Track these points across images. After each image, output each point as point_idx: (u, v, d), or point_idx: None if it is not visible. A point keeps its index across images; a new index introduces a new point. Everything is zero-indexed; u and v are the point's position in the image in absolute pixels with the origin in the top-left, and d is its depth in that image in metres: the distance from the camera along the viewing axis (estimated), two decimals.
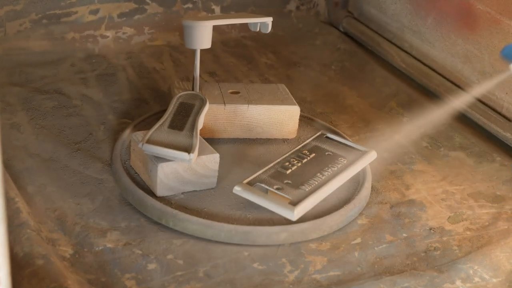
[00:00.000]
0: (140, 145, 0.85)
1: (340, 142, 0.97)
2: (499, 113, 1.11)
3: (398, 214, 0.91)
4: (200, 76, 1.04)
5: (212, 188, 0.90)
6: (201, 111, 0.92)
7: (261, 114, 1.00)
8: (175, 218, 0.84)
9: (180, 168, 0.86)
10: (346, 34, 1.43)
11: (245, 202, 0.87)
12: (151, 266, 0.78)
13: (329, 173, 0.90)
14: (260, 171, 0.89)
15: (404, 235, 0.88)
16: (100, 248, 0.80)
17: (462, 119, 1.15)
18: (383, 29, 1.37)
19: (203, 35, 0.96)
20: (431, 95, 1.22)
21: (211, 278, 0.77)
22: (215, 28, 0.98)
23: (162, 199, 0.87)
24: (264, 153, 0.99)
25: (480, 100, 1.15)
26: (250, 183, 0.86)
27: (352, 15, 1.45)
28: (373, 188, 0.95)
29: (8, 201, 0.82)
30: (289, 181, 0.88)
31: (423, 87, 1.24)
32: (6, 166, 0.92)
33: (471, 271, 0.81)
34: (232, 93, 1.02)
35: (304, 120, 1.08)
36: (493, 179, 1.00)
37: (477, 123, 1.13)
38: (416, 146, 1.07)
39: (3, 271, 0.51)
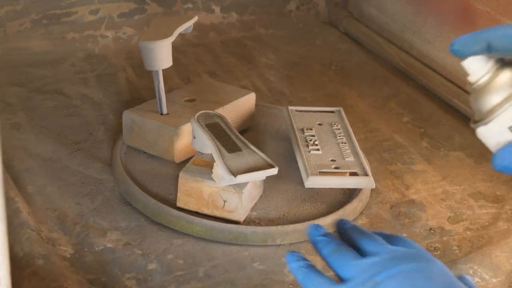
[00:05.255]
0: (231, 179, 0.81)
1: (313, 111, 1.02)
2: None
3: (398, 214, 0.91)
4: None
5: None
6: (229, 125, 0.90)
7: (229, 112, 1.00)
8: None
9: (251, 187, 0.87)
10: (346, 34, 1.43)
11: None
12: (151, 266, 0.78)
13: (343, 139, 0.96)
14: (302, 161, 0.91)
15: (404, 235, 0.87)
16: (100, 248, 0.80)
17: (462, 119, 1.15)
18: (383, 29, 1.37)
19: (163, 54, 0.93)
20: (431, 95, 1.22)
21: (211, 278, 0.77)
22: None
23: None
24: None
25: None
26: (312, 173, 0.89)
27: (352, 15, 1.45)
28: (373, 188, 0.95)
29: (8, 201, 0.82)
30: (333, 159, 0.92)
31: (423, 87, 1.24)
32: (6, 166, 0.92)
33: (471, 271, 0.81)
34: (187, 101, 1.00)
35: (261, 108, 1.08)
36: (493, 179, 1.00)
37: None
38: (416, 146, 1.07)
39: (3, 271, 0.50)
